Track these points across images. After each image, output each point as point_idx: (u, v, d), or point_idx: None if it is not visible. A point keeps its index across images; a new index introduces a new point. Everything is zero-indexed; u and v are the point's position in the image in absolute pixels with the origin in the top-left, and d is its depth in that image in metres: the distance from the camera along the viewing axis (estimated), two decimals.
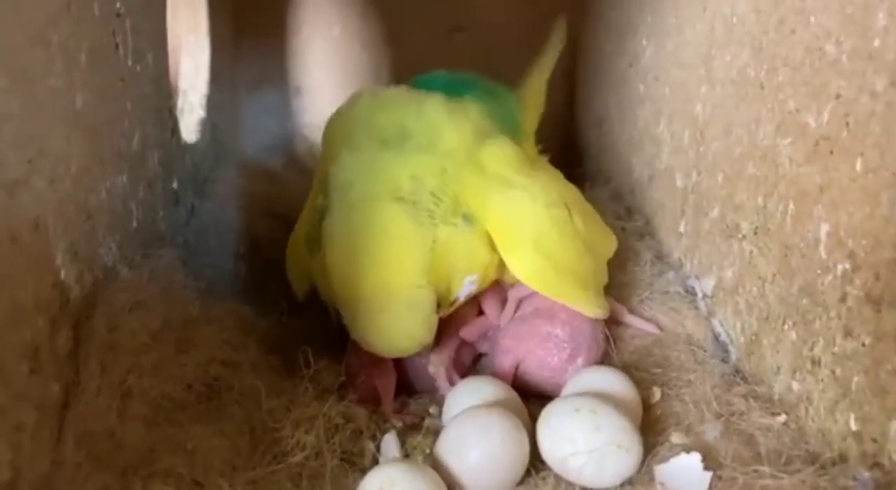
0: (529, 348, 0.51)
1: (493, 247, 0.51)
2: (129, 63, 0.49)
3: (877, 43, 0.38)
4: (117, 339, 0.41)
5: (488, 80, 0.61)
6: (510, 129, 0.57)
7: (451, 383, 0.51)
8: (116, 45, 0.47)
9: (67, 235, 0.39)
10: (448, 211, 0.49)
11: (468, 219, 0.50)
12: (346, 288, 0.47)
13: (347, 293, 0.47)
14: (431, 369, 0.52)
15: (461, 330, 0.54)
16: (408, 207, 0.48)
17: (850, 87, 0.40)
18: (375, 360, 0.50)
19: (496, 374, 0.51)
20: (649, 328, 0.56)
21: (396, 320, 0.47)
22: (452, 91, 0.56)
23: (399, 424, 0.48)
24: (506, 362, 0.51)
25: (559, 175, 0.59)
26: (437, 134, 0.51)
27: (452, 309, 0.51)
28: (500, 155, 0.53)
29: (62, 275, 0.38)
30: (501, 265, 0.52)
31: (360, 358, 0.50)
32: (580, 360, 0.51)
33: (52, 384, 0.36)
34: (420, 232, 0.48)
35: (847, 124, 0.40)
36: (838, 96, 0.41)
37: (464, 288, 0.50)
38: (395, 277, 0.47)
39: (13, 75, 0.33)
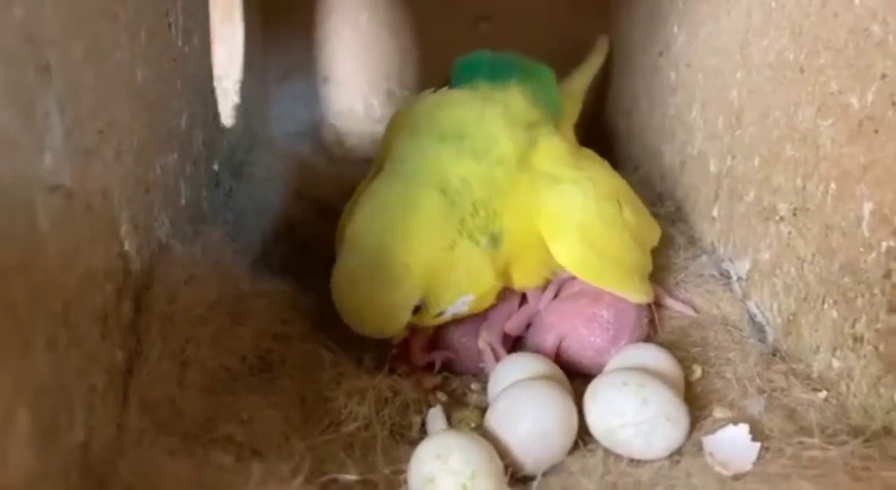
0: (573, 325, 0.52)
1: (500, 274, 0.51)
2: (180, 43, 0.50)
3: None
4: (175, 311, 0.42)
5: (529, 60, 0.62)
6: (552, 111, 0.58)
7: (498, 361, 0.52)
8: (169, 25, 0.48)
9: (130, 208, 0.40)
10: (479, 226, 0.49)
11: (494, 239, 0.50)
12: (347, 239, 0.48)
13: (346, 244, 0.48)
14: (481, 345, 0.52)
15: (505, 325, 0.55)
16: (446, 202, 0.49)
17: None
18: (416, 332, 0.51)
19: (539, 351, 0.52)
20: (687, 310, 0.56)
21: (373, 290, 0.47)
22: (495, 74, 0.57)
23: (443, 399, 0.49)
24: (549, 339, 0.52)
25: (606, 164, 0.60)
26: (493, 141, 0.52)
27: (434, 323, 0.51)
28: (552, 153, 0.54)
29: (126, 245, 0.39)
30: (497, 291, 0.52)
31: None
32: (623, 343, 0.52)
33: (117, 351, 0.37)
34: (444, 228, 0.48)
35: (893, 103, 0.41)
36: (884, 76, 0.41)
37: (455, 305, 0.50)
38: (394, 248, 0.47)
39: (87, 46, 0.34)
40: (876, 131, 0.42)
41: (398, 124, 0.56)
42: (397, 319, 0.48)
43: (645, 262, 0.56)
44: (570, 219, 0.51)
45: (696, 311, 0.56)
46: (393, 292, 0.47)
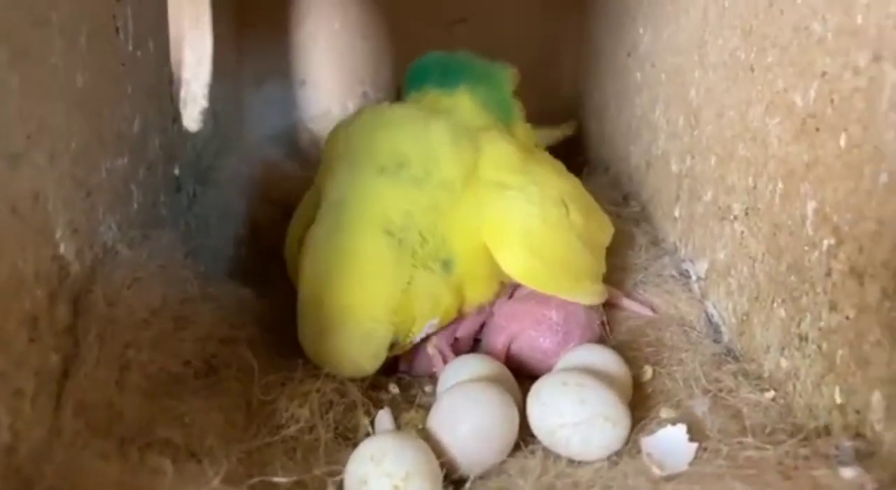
0: (523, 327, 0.52)
1: (458, 292, 0.52)
2: (130, 48, 0.50)
3: (860, 19, 0.38)
4: (116, 314, 0.42)
5: (482, 59, 0.62)
6: (504, 114, 0.58)
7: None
8: (117, 30, 0.48)
9: (67, 211, 0.40)
10: (430, 254, 0.50)
11: (447, 265, 0.50)
12: (309, 298, 0.49)
13: (308, 303, 0.49)
14: (430, 350, 0.53)
15: (457, 330, 0.55)
16: (394, 243, 0.49)
17: (835, 64, 0.40)
18: None
19: (490, 353, 0.52)
20: (644, 311, 0.56)
21: (347, 346, 0.48)
22: (445, 79, 0.57)
23: (395, 390, 0.49)
24: (499, 340, 0.52)
25: (558, 166, 0.59)
26: (435, 163, 0.51)
27: (406, 348, 0.52)
28: (498, 159, 0.53)
29: (61, 249, 0.39)
30: (459, 305, 0.53)
31: None
32: (573, 344, 0.52)
33: (50, 354, 0.37)
34: (398, 271, 0.48)
35: (832, 101, 0.41)
36: (824, 74, 0.41)
37: (423, 331, 0.51)
38: (359, 306, 0.48)
39: (14, 51, 0.34)
40: (817, 129, 0.42)
41: (335, 146, 0.56)
42: (377, 361, 0.49)
43: (595, 265, 0.55)
44: (512, 226, 0.51)
45: (654, 311, 0.56)
46: (368, 345, 0.48)
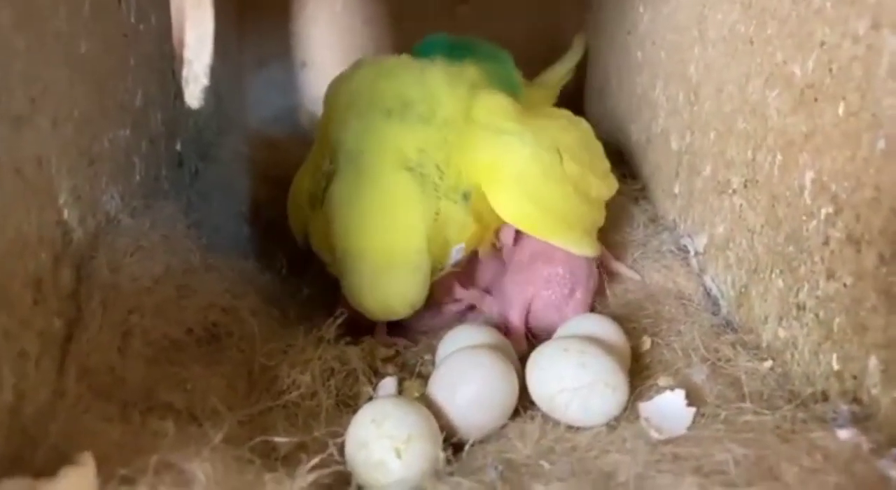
0: (536, 291, 0.53)
1: (479, 218, 0.52)
2: (132, 20, 0.50)
3: None
4: (119, 281, 0.42)
5: (488, 43, 0.62)
6: (508, 90, 0.58)
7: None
8: (119, 1, 0.48)
9: (70, 178, 0.40)
10: (450, 186, 0.51)
11: (467, 197, 0.51)
12: (350, 251, 0.49)
13: (351, 256, 0.49)
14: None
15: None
16: (416, 177, 0.50)
17: (834, 34, 0.40)
18: None
19: (508, 324, 0.53)
20: (632, 275, 0.58)
21: (397, 282, 0.48)
22: (453, 53, 0.57)
23: (391, 371, 0.49)
24: (515, 311, 0.53)
25: (562, 121, 0.59)
26: (437, 102, 0.52)
27: (440, 275, 0.53)
28: (493, 105, 0.54)
29: (65, 214, 0.39)
30: (484, 234, 0.54)
31: None
32: (579, 293, 0.53)
33: (54, 318, 0.37)
34: (425, 201, 0.49)
35: (830, 70, 0.41)
36: (822, 44, 0.42)
37: (452, 258, 0.52)
38: (400, 241, 0.48)
39: (18, 13, 0.34)
40: (816, 99, 0.42)
41: (339, 99, 0.56)
42: (424, 294, 0.50)
43: (590, 216, 0.56)
44: (507, 169, 0.52)
45: (639, 275, 0.58)
46: (417, 276, 0.49)
